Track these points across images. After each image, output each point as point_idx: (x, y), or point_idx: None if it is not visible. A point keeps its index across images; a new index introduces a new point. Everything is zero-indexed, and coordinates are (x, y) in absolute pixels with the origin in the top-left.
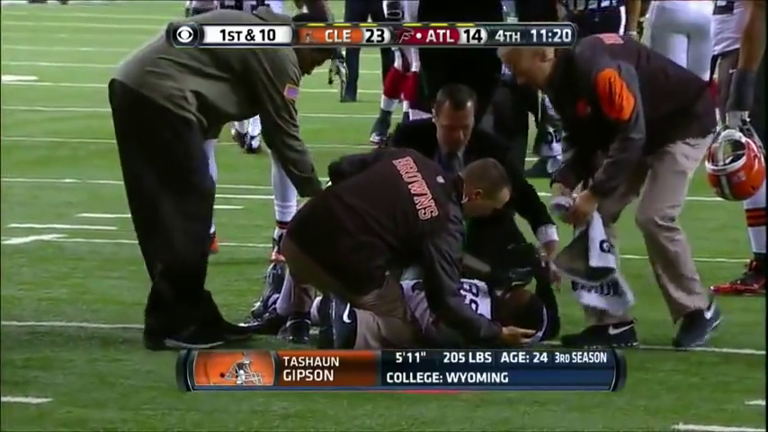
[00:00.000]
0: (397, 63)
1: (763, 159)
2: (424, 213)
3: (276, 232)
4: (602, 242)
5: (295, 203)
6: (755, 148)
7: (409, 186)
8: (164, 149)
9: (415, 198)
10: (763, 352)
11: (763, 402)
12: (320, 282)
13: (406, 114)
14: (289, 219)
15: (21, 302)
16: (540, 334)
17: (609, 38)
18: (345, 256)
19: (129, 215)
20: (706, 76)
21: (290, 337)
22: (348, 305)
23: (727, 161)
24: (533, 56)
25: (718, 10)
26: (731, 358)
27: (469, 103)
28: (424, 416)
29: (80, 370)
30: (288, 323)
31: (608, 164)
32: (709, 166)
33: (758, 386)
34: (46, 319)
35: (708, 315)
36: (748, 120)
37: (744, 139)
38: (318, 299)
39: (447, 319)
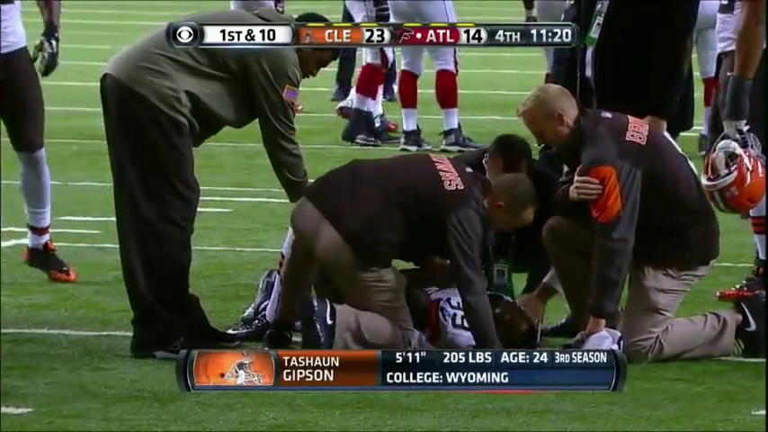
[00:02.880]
0: (372, 59)
1: (761, 170)
2: (450, 184)
3: (30, 238)
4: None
5: (49, 209)
6: (748, 161)
7: (435, 164)
8: (151, 150)
9: (441, 173)
10: None
11: None
12: (324, 246)
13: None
14: (44, 224)
15: (0, 309)
16: (541, 339)
17: (635, 132)
18: (361, 218)
19: (113, 219)
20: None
21: (265, 347)
22: (329, 305)
23: (723, 174)
24: (550, 119)
25: (722, 8)
26: (737, 368)
27: (522, 166)
28: (419, 426)
29: (62, 379)
30: (268, 330)
31: (593, 283)
32: (704, 180)
33: (765, 396)
34: (26, 327)
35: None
36: (746, 129)
37: (738, 151)
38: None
39: (466, 295)
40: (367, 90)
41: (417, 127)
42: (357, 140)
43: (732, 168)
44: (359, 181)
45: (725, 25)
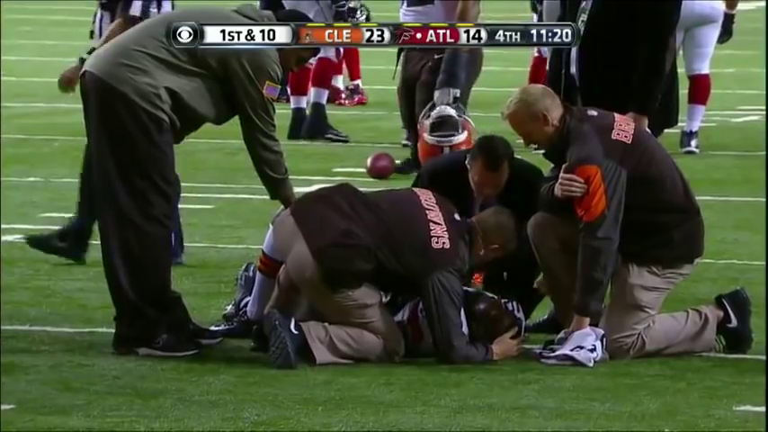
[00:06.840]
0: (331, 53)
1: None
2: (437, 243)
3: None
4: (579, 347)
5: None
6: (471, 124)
7: (426, 212)
8: (131, 147)
9: (431, 225)
10: (756, 356)
11: (752, 408)
12: (293, 259)
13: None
14: None
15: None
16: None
17: (621, 130)
18: (336, 244)
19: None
20: (705, 67)
21: (252, 345)
22: (292, 319)
23: (454, 133)
24: (535, 120)
25: (418, 1)
26: (718, 364)
27: (504, 165)
28: (401, 423)
29: (44, 376)
30: (255, 327)
31: (578, 282)
32: (428, 136)
33: (747, 392)
34: (8, 324)
35: None
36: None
37: (461, 117)
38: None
39: (450, 359)
40: (322, 82)
41: None
42: (327, 136)
43: (461, 130)
44: (345, 210)
45: (423, 17)
